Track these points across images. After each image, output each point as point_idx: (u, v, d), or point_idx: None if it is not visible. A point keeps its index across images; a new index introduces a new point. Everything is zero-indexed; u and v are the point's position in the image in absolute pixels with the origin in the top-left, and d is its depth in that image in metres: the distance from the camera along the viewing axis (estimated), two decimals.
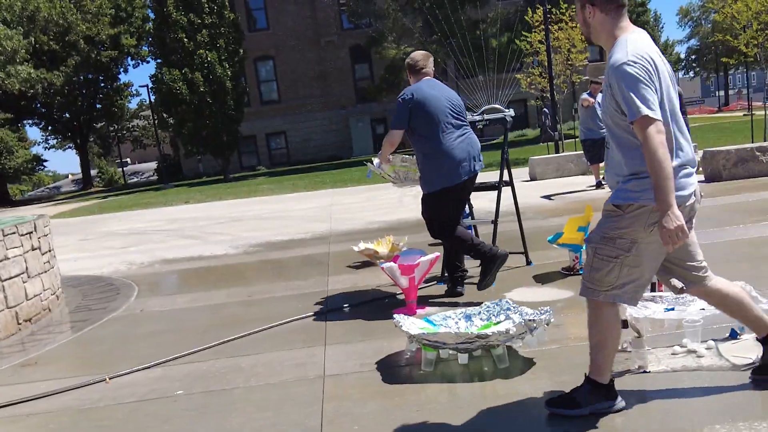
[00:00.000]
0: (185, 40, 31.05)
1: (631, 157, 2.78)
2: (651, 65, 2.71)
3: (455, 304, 4.94)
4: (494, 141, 26.69)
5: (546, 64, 21.18)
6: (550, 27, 21.05)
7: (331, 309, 5.27)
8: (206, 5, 31.85)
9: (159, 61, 32.62)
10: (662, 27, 76.06)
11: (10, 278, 5.62)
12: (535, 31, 21.40)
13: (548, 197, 11.43)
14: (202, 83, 30.63)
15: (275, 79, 41.15)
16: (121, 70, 50.34)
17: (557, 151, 17.11)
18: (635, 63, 2.67)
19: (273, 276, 7.08)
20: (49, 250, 6.60)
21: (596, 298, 2.90)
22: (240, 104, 32.80)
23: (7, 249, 5.62)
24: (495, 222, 5.76)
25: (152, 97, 34.17)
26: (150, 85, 33.45)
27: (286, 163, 39.64)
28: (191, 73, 30.78)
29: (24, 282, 5.82)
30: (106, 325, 5.63)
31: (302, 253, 8.34)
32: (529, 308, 3.91)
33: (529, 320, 3.59)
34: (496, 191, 5.91)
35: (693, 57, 76.74)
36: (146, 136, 61.26)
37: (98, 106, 49.62)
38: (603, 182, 11.49)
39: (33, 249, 6.10)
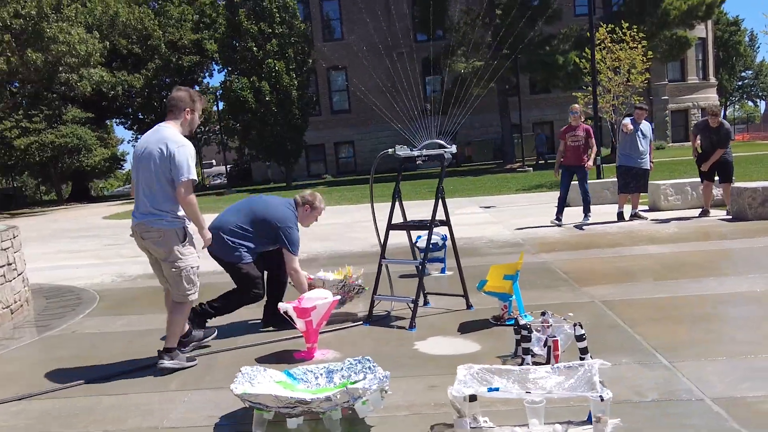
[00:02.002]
0: (255, 49, 31.66)
1: None
2: None
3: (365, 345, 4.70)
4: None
5: (603, 83, 20.51)
6: (611, 46, 20.38)
7: (237, 346, 5.10)
8: (277, 15, 32.39)
9: (229, 68, 33.36)
10: (758, 47, 72.63)
11: None
12: (596, 49, 20.69)
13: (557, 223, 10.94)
14: (268, 92, 31.11)
15: (347, 89, 41.42)
16: (206, 74, 51.83)
17: (599, 177, 16.43)
18: None
19: None
20: (8, 264, 6.70)
21: None
22: (306, 113, 33.13)
23: None
24: (423, 264, 5.48)
25: (220, 104, 34.95)
26: (220, 92, 34.21)
27: (352, 173, 39.83)
28: (259, 81, 31.32)
29: None
30: (32, 345, 5.65)
31: None
32: (381, 371, 3.66)
33: (356, 388, 3.33)
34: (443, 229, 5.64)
35: None
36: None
37: None
38: (625, 215, 10.90)
39: None
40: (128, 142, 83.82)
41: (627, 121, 10.76)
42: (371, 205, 6.02)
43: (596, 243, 8.97)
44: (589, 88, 22.49)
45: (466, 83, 33.49)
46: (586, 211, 10.96)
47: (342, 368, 3.89)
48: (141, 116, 51.91)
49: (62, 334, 5.94)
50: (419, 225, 5.67)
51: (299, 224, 5.62)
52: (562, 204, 11.04)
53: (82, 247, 13.13)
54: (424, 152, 5.63)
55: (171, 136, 4.44)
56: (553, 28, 31.87)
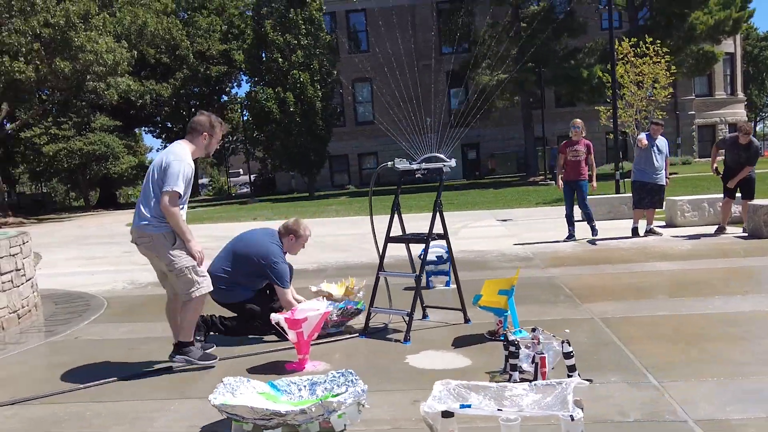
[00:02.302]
0: (280, 60, 31.92)
1: None
2: None
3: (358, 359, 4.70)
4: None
5: (627, 98, 20.40)
6: (634, 60, 20.28)
7: (233, 355, 5.13)
8: (303, 27, 32.64)
9: (255, 79, 33.69)
10: None
11: None
12: (619, 63, 20.59)
13: (568, 239, 10.82)
14: (293, 103, 31.32)
15: (371, 101, 41.58)
16: (234, 84, 52.44)
17: (618, 191, 16.30)
18: None
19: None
20: (16, 270, 6.80)
21: None
22: (329, 124, 33.31)
23: None
24: (419, 277, 5.47)
25: (245, 114, 35.28)
26: (246, 102, 34.54)
27: (376, 183, 39.84)
28: (283, 92, 31.55)
29: None
30: (33, 350, 5.73)
31: None
32: (362, 384, 3.66)
33: (330, 402, 3.34)
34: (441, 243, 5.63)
35: None
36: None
37: None
38: (640, 231, 10.78)
39: None
40: (157, 151, 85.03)
41: (642, 136, 10.64)
42: (370, 218, 6.04)
43: (607, 258, 8.89)
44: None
45: (487, 95, 33.50)
46: (591, 224, 10.89)
47: (325, 381, 3.90)
48: (169, 125, 52.70)
49: (65, 340, 6.02)
50: (417, 238, 5.65)
51: (287, 253, 5.68)
52: (571, 219, 10.94)
53: (99, 254, 13.29)
54: (423, 165, 5.63)
55: (176, 151, 4.64)
56: (578, 42, 31.78)
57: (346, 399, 3.37)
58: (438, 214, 5.57)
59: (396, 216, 5.82)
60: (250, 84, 34.25)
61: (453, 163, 5.67)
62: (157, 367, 4.94)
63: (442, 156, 5.69)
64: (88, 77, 28.51)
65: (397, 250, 6.12)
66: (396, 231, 5.84)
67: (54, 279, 10.08)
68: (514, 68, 32.20)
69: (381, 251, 5.75)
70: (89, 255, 13.35)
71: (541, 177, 30.95)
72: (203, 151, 4.85)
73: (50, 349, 5.76)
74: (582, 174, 10.56)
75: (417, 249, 6.47)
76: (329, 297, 6.70)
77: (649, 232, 10.79)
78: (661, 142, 10.60)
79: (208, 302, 5.08)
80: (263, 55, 33.10)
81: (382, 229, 5.83)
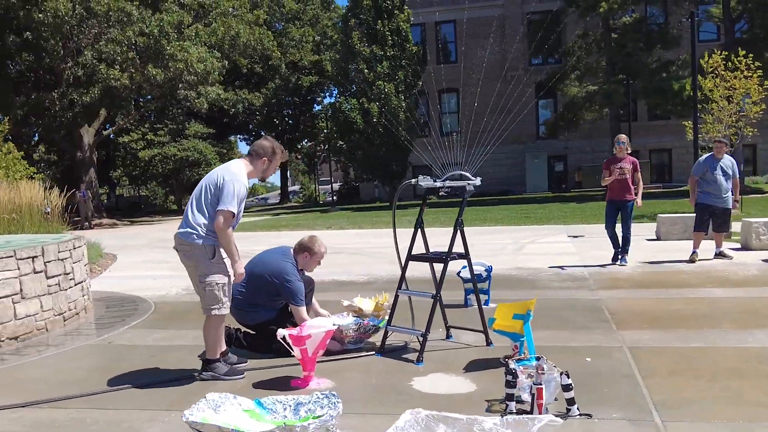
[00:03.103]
0: (366, 71, 32.22)
1: None
2: None
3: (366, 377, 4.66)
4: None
5: (715, 113, 19.54)
6: (724, 74, 19.40)
7: (231, 371, 5.16)
8: (390, 38, 32.84)
9: (341, 89, 34.13)
10: None
11: None
12: (708, 77, 19.73)
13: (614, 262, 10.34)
14: (376, 113, 31.54)
15: (457, 111, 41.42)
16: (326, 94, 53.30)
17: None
18: None
19: None
20: (64, 273, 7.09)
21: None
22: (413, 135, 33.35)
23: None
24: (436, 297, 5.36)
25: (329, 124, 35.77)
26: (330, 112, 35.04)
27: (457, 195, 39.65)
28: (367, 103, 31.82)
29: (15, 302, 6.31)
30: (65, 353, 5.95)
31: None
32: (340, 408, 3.62)
33: (293, 425, 3.30)
34: (456, 263, 5.52)
35: None
36: None
37: (299, 126, 52.88)
38: (697, 255, 10.12)
39: (35, 272, 6.59)
40: None
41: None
42: (394, 235, 5.95)
43: (664, 282, 8.50)
44: (704, 116, 21.50)
45: (575, 106, 32.81)
46: (624, 252, 10.13)
47: (310, 401, 3.87)
48: (262, 133, 54.17)
49: (98, 344, 6.23)
50: (437, 258, 5.54)
51: (304, 271, 5.70)
52: (615, 241, 10.25)
53: (167, 258, 13.71)
54: (447, 183, 5.54)
55: (233, 169, 4.78)
56: (672, 54, 30.67)
57: (310, 424, 3.33)
58: (459, 232, 5.45)
59: (420, 233, 5.72)
60: (335, 94, 34.71)
61: (477, 181, 5.56)
62: (171, 377, 5.03)
63: (467, 174, 5.58)
64: (180, 85, 29.60)
65: (423, 267, 6.03)
66: (420, 248, 5.74)
67: (118, 282, 10.48)
68: (604, 80, 31.43)
69: (402, 269, 5.67)
70: (160, 259, 13.80)
71: None
72: (260, 174, 4.97)
73: (81, 352, 5.96)
74: (629, 193, 9.92)
75: (455, 267, 6.37)
76: (359, 312, 6.69)
77: (719, 255, 10.22)
78: (727, 161, 10.02)
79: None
80: (349, 66, 33.48)
81: (396, 247, 5.77)
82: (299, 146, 61.09)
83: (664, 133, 37.11)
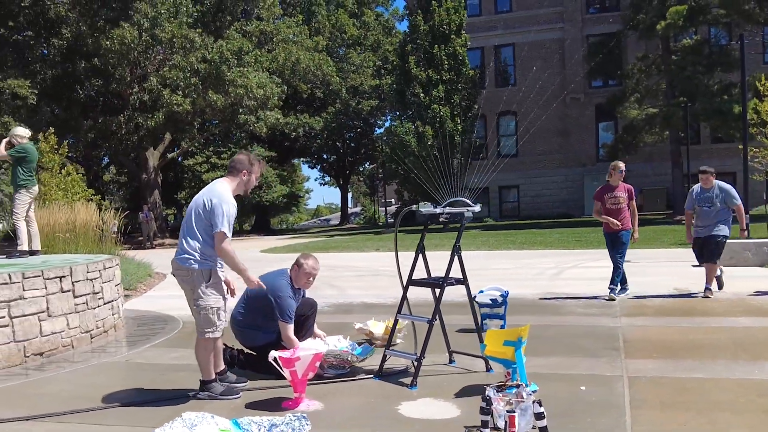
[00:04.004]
0: (421, 95, 32.44)
1: None
2: None
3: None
4: None
5: None
6: None
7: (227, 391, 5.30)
8: (446, 62, 33.00)
9: (397, 113, 34.42)
10: None
11: (23, 316, 6.43)
12: (765, 100, 19.19)
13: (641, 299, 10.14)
14: (431, 137, 31.67)
15: (515, 134, 41.22)
16: (389, 117, 53.71)
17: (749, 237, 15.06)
18: None
19: None
20: (93, 293, 7.40)
21: None
22: (467, 158, 33.34)
23: (24, 290, 6.45)
24: (432, 321, 5.41)
25: (384, 148, 36.10)
26: (385, 136, 35.38)
27: (515, 217, 39.36)
28: (422, 126, 32.00)
29: (41, 320, 6.63)
30: (82, 369, 6.21)
31: (329, 321, 8.33)
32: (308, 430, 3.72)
33: None
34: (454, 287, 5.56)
35: None
36: None
37: (360, 149, 53.41)
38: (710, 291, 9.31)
39: (62, 291, 6.91)
40: (315, 180, 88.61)
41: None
42: (396, 259, 6.02)
43: (690, 310, 8.31)
44: (764, 139, 20.91)
45: (635, 129, 32.19)
46: (613, 282, 9.37)
47: (282, 423, 3.99)
48: (325, 156, 54.99)
49: (116, 362, 6.48)
50: (434, 283, 5.59)
51: (300, 288, 5.82)
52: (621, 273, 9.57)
53: None
54: (447, 210, 5.60)
55: (218, 191, 4.95)
56: (734, 77, 29.84)
57: None
58: (457, 258, 5.49)
59: (422, 258, 5.79)
60: (391, 118, 35.02)
61: (477, 208, 5.60)
62: (167, 396, 5.20)
63: (467, 201, 5.63)
64: (240, 110, 30.41)
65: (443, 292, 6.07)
66: (422, 272, 5.81)
67: (158, 300, 10.84)
68: (664, 102, 30.82)
69: (402, 294, 5.75)
70: None
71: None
72: (242, 187, 5.16)
73: (96, 369, 6.21)
74: (625, 223, 9.22)
75: (473, 290, 6.35)
76: (370, 335, 6.80)
77: (706, 291, 9.30)
78: (716, 191, 9.19)
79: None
80: (405, 90, 33.76)
81: (399, 271, 5.84)
82: (361, 169, 61.75)
83: (727, 156, 35.97)
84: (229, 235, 4.90)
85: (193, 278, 4.90)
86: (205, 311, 4.91)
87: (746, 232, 9.83)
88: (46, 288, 6.68)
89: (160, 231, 34.45)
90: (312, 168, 59.11)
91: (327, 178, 69.14)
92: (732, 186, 9.41)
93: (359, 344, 6.09)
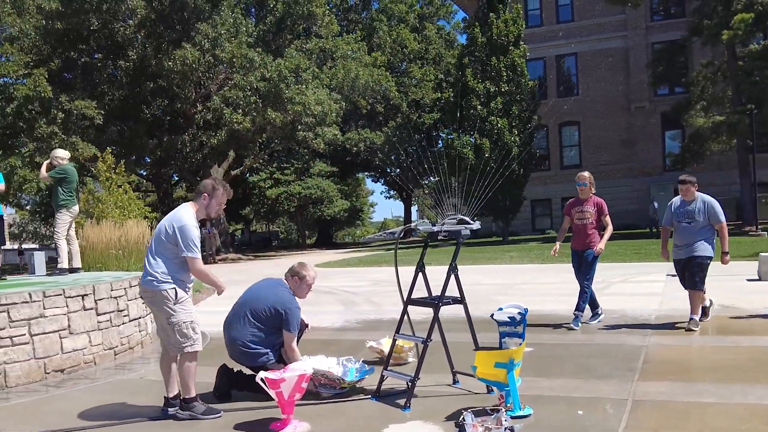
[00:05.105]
0: (479, 107, 32.21)
1: None
2: None
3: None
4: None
5: None
6: None
7: (227, 409, 5.33)
8: (504, 73, 32.70)
9: (455, 126, 34.26)
10: None
11: (44, 333, 6.64)
12: None
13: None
14: (488, 149, 31.39)
15: (578, 145, 40.50)
16: (451, 130, 53.57)
17: None
18: None
19: None
20: (117, 310, 7.59)
21: None
22: (527, 170, 32.93)
23: (44, 308, 6.67)
24: (427, 342, 5.32)
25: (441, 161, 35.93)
26: (443, 149, 35.25)
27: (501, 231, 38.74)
28: (480, 139, 31.77)
29: (62, 337, 6.82)
30: (98, 386, 6.36)
31: (350, 338, 8.30)
32: None
33: None
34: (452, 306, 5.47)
35: None
36: None
37: (422, 162, 53.41)
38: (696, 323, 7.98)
39: (85, 309, 7.10)
40: (381, 194, 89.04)
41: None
42: (396, 276, 5.96)
43: (726, 328, 7.95)
44: None
45: (703, 139, 31.17)
46: (579, 308, 8.47)
47: None
48: (388, 170, 55.20)
49: (130, 379, 6.62)
50: (429, 302, 5.52)
51: (298, 297, 5.80)
52: (591, 297, 8.74)
53: None
54: (444, 228, 5.52)
55: (180, 217, 5.10)
56: None
57: None
58: (454, 276, 5.41)
59: (422, 276, 5.72)
60: (448, 131, 34.88)
61: (475, 225, 5.50)
62: (153, 415, 5.28)
63: (466, 218, 5.54)
64: (299, 127, 30.82)
65: (448, 310, 5.99)
66: (422, 292, 5.74)
67: (198, 316, 10.98)
68: (731, 110, 29.76)
69: (402, 312, 5.69)
70: None
71: (753, 227, 28.03)
72: (203, 211, 5.27)
73: (109, 387, 6.35)
74: (591, 242, 8.36)
75: (491, 309, 6.26)
76: (381, 354, 6.75)
77: (690, 322, 7.96)
78: (699, 204, 7.93)
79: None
80: (462, 102, 33.59)
81: (399, 288, 5.77)
82: (425, 182, 61.69)
83: None
84: (199, 256, 5.04)
85: (160, 299, 5.03)
86: (178, 326, 5.03)
87: (728, 256, 8.09)
88: (67, 306, 6.88)
89: (224, 246, 35.18)
90: (375, 182, 59.51)
91: (392, 192, 69.51)
92: (717, 200, 8.04)
93: (368, 364, 6.06)
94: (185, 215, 5.10)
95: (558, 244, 8.82)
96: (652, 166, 38.97)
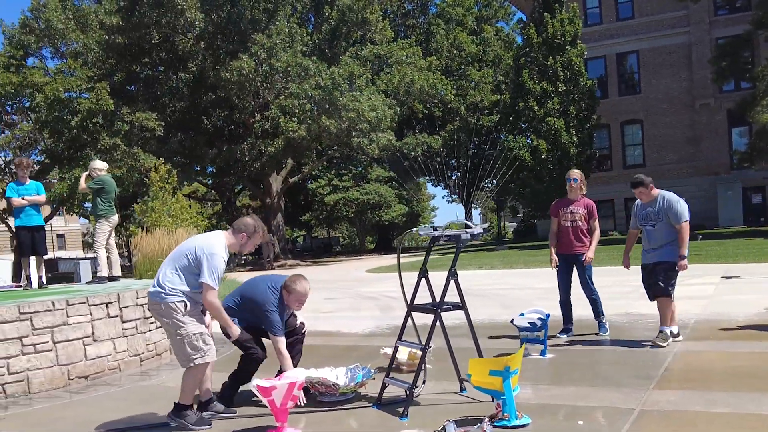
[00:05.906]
0: (536, 108, 31.76)
1: None
2: None
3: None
4: None
5: None
6: None
7: (224, 417, 5.35)
8: (561, 73, 32.18)
9: (509, 126, 33.88)
10: None
11: (67, 341, 6.82)
12: None
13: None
14: (545, 150, 30.92)
15: (642, 143, 39.45)
16: (505, 133, 53.05)
17: None
18: None
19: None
20: (144, 317, 7.74)
21: None
22: (587, 170, 32.26)
23: (68, 316, 6.85)
24: (425, 348, 5.24)
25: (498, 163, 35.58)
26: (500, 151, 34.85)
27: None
28: (536, 140, 31.32)
29: (86, 344, 7.00)
30: (116, 393, 6.49)
31: (376, 343, 8.21)
32: None
33: None
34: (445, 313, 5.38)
35: None
36: None
37: (481, 165, 53.03)
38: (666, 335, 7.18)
39: (109, 317, 7.27)
40: (443, 198, 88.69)
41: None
42: (400, 282, 5.90)
43: (762, 334, 7.57)
44: None
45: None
46: (598, 316, 8.00)
47: None
48: (449, 174, 54.93)
49: (148, 386, 6.73)
50: (428, 308, 5.43)
51: (291, 308, 5.79)
52: (567, 311, 8.12)
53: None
54: (445, 233, 5.44)
55: (213, 245, 5.08)
56: None
57: None
58: (454, 282, 5.31)
59: (425, 281, 5.65)
60: (506, 132, 34.51)
61: (477, 230, 5.38)
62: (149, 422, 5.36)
63: (470, 223, 5.45)
64: (354, 134, 30.95)
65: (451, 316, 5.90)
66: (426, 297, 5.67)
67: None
68: None
69: (404, 319, 5.62)
70: None
71: None
72: (237, 248, 5.31)
73: (125, 393, 6.47)
74: (581, 244, 7.86)
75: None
76: (397, 361, 6.68)
77: (660, 335, 7.20)
78: (660, 205, 7.34)
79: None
80: (519, 103, 33.20)
81: (403, 293, 5.72)
82: (486, 185, 61.17)
83: None
84: (217, 288, 4.99)
85: (167, 311, 5.00)
86: (188, 338, 4.99)
87: (685, 261, 7.18)
88: (91, 314, 7.05)
89: (283, 252, 35.64)
90: (435, 186, 59.29)
91: (454, 196, 69.14)
92: (680, 197, 7.45)
93: (381, 371, 6.02)
94: (218, 244, 5.08)
95: (554, 254, 8.04)
96: (718, 164, 37.65)
